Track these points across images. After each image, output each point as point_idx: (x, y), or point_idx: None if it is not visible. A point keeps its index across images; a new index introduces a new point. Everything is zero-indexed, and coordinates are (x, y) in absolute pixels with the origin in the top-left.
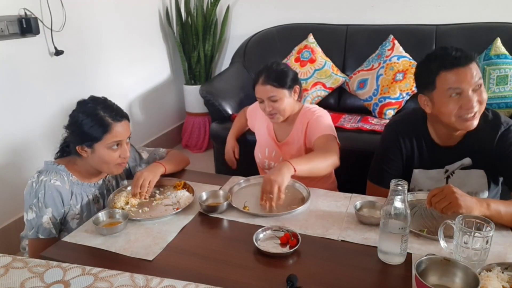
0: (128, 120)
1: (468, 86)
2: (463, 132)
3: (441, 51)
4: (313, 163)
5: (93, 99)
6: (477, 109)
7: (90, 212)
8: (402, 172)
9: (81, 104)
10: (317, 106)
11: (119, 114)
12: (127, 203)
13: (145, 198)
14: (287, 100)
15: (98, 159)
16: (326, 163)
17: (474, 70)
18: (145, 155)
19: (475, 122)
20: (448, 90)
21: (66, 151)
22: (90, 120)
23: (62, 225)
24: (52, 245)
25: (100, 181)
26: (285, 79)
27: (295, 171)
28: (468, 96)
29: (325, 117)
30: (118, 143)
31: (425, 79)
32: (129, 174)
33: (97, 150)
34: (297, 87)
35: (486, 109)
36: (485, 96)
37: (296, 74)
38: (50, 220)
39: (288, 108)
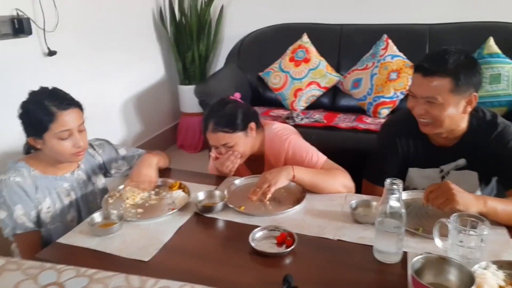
0: (80, 107)
1: (417, 95)
2: (459, 133)
3: (431, 54)
4: (318, 177)
5: (41, 89)
6: (428, 120)
7: (62, 205)
8: (398, 171)
9: (30, 94)
10: (277, 125)
11: (65, 102)
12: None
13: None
14: (244, 141)
15: (51, 150)
16: (334, 182)
17: (431, 84)
18: (122, 152)
19: (427, 130)
20: (408, 91)
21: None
22: (35, 110)
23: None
24: (47, 246)
25: (68, 174)
26: (235, 122)
27: (293, 177)
28: (416, 101)
29: (300, 147)
30: (68, 132)
31: None
32: (105, 171)
33: (47, 141)
34: (252, 124)
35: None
36: (440, 115)
37: (247, 109)
38: (23, 215)
39: (247, 148)
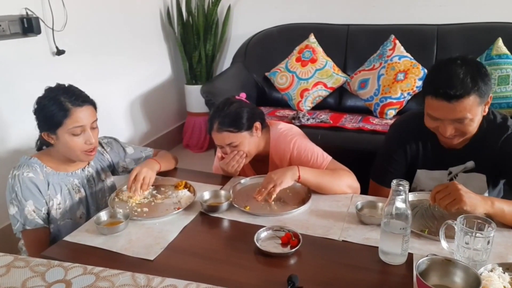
0: (94, 105)
1: (445, 118)
2: (469, 136)
3: (443, 75)
4: (324, 178)
5: (57, 85)
6: (455, 135)
7: (72, 202)
8: (405, 172)
9: (46, 90)
10: (282, 125)
11: (80, 99)
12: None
13: (143, 191)
14: (249, 141)
15: (63, 146)
16: (339, 183)
17: (459, 107)
18: (130, 150)
19: (454, 142)
20: (428, 113)
21: (44, 143)
22: (51, 105)
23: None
24: (54, 244)
25: (79, 171)
26: (240, 121)
27: (299, 178)
28: (443, 125)
29: (306, 147)
30: (81, 128)
31: (424, 85)
32: (113, 169)
33: (60, 136)
34: (257, 124)
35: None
36: (470, 128)
37: (252, 108)
38: (34, 211)
39: (252, 148)
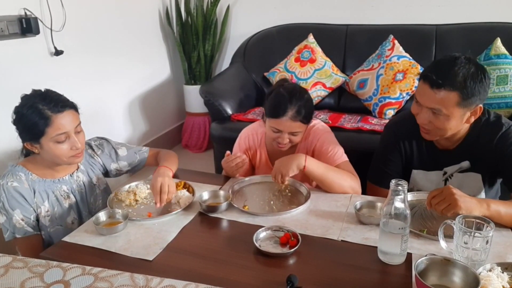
0: (75, 109)
1: (423, 103)
2: (460, 135)
3: (441, 63)
4: (329, 173)
5: (33, 92)
6: (429, 128)
7: (61, 208)
8: (402, 173)
9: (22, 98)
10: (316, 120)
11: (59, 105)
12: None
13: (168, 201)
14: (303, 132)
15: (48, 154)
16: (342, 182)
17: (437, 96)
18: (122, 152)
19: (428, 137)
20: (414, 96)
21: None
22: (29, 114)
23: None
24: (52, 245)
25: (67, 177)
26: (312, 114)
27: (304, 168)
28: (421, 109)
29: (330, 141)
30: (65, 135)
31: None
32: (106, 172)
33: (45, 145)
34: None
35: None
36: (444, 126)
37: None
38: (22, 220)
39: (300, 139)
